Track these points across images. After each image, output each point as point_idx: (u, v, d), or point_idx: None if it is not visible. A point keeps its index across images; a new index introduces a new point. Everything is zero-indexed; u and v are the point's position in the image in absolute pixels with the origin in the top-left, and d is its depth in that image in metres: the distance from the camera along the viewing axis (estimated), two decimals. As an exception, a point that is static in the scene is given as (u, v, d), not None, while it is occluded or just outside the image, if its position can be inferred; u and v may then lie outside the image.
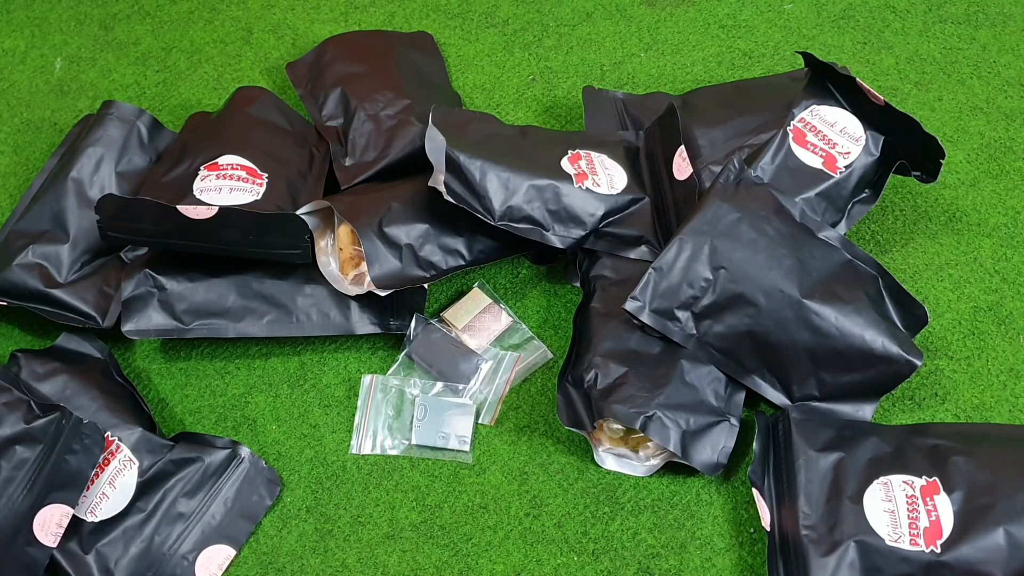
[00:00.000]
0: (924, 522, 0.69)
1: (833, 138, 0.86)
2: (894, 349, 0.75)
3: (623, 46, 1.07)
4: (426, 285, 0.84)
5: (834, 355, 0.76)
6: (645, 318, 0.78)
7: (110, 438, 0.76)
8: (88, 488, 0.74)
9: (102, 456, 0.74)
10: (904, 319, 0.80)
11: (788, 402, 0.78)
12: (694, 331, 0.78)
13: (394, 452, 0.81)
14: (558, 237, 0.83)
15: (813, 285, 0.77)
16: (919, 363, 0.75)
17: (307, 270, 0.85)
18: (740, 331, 0.77)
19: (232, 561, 0.76)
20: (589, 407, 0.76)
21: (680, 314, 0.78)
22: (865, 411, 0.78)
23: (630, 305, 0.78)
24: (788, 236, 0.79)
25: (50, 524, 0.71)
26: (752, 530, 0.75)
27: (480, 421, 0.82)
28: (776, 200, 0.80)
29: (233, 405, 0.84)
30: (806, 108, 0.87)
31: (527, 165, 0.84)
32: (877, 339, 0.75)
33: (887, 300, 0.80)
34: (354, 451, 0.81)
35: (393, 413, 0.82)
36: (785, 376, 0.78)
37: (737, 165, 0.80)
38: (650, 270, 0.77)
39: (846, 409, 0.78)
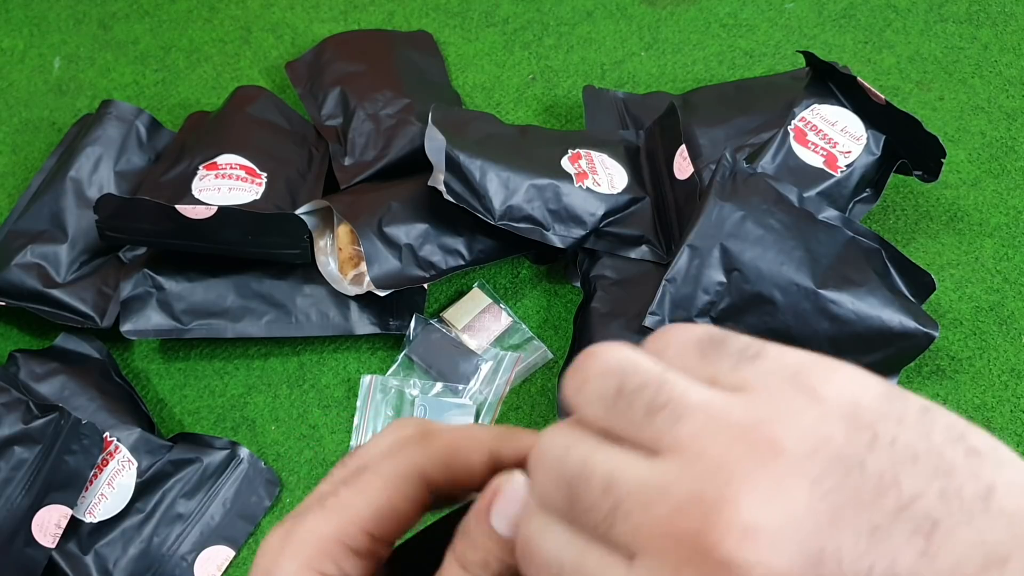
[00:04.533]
0: None
1: (834, 137, 0.86)
2: (911, 324, 0.76)
3: (624, 45, 1.07)
4: (426, 285, 0.84)
5: (855, 339, 0.76)
6: None
7: (109, 438, 0.76)
8: (87, 489, 0.74)
9: (101, 456, 0.74)
10: (912, 288, 0.80)
11: None
12: None
13: (394, 453, 0.80)
14: (558, 237, 0.83)
15: (825, 273, 0.77)
16: (936, 334, 0.76)
17: (306, 270, 0.84)
18: (761, 329, 0.77)
19: (231, 562, 0.76)
20: (589, 407, 0.76)
21: (700, 321, 0.78)
22: None
23: (649, 321, 0.77)
24: (792, 226, 0.78)
25: (48, 525, 0.71)
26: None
27: (480, 421, 0.82)
28: (774, 189, 0.80)
29: (232, 406, 0.84)
30: (807, 107, 0.87)
31: (527, 164, 0.84)
32: (894, 317, 0.76)
33: (893, 272, 0.80)
34: (354, 452, 0.81)
35: (393, 413, 0.82)
36: None
37: (730, 159, 0.80)
38: (664, 282, 0.77)
39: None
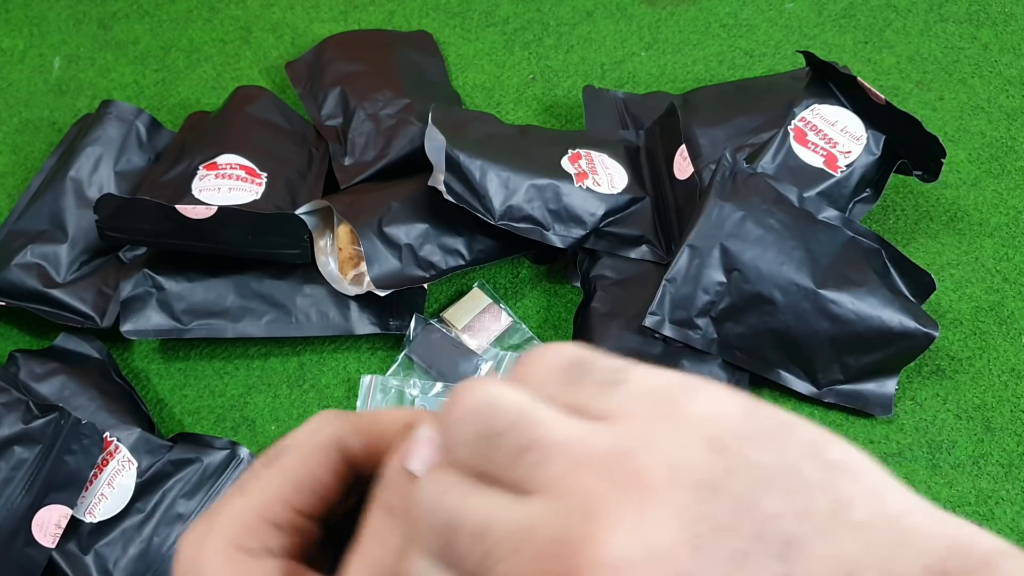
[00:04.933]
0: None
1: (834, 137, 0.86)
2: (911, 324, 0.76)
3: (623, 45, 1.07)
4: (426, 285, 0.84)
5: (855, 339, 0.76)
6: (666, 331, 0.77)
7: (109, 438, 0.76)
8: (87, 489, 0.74)
9: (101, 456, 0.74)
10: (912, 288, 0.80)
11: (815, 390, 0.79)
12: (715, 335, 0.78)
13: (394, 453, 0.80)
14: (558, 237, 0.83)
15: (825, 273, 0.77)
16: (936, 334, 0.76)
17: (306, 270, 0.84)
18: (761, 329, 0.77)
19: (231, 562, 0.76)
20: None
21: (699, 321, 0.78)
22: (888, 386, 0.79)
23: (649, 321, 0.77)
24: (792, 226, 0.78)
25: (49, 525, 0.71)
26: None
27: (480, 421, 0.82)
28: (774, 189, 0.80)
29: (232, 406, 0.84)
30: (807, 107, 0.87)
31: (527, 164, 0.84)
32: (894, 317, 0.76)
33: (893, 272, 0.80)
34: (354, 452, 0.81)
35: (393, 413, 0.82)
36: (809, 366, 0.78)
37: (730, 159, 0.80)
38: (664, 282, 0.77)
39: (870, 387, 0.79)
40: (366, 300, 0.84)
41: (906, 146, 0.85)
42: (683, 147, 0.84)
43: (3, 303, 0.84)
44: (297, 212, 0.82)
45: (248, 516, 0.24)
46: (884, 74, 1.02)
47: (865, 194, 0.87)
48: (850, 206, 0.86)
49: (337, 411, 0.27)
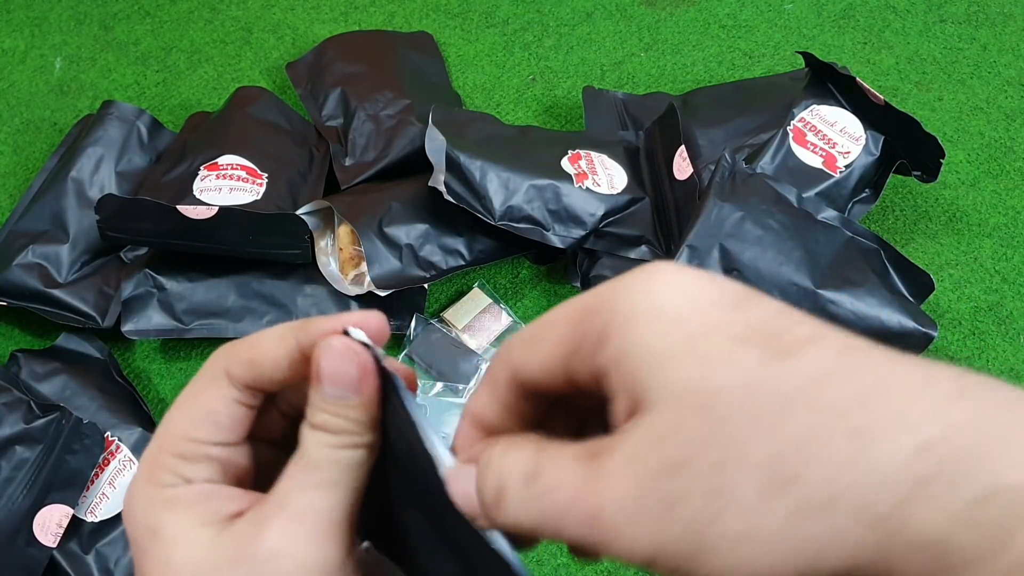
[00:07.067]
0: None
1: (833, 138, 0.86)
2: (910, 324, 0.76)
3: (623, 46, 1.07)
4: (426, 285, 0.84)
5: None
6: None
7: (110, 438, 0.76)
8: (88, 488, 0.74)
9: (102, 456, 0.74)
10: (911, 288, 0.80)
11: None
12: None
13: (394, 452, 0.80)
14: (558, 237, 0.83)
15: (824, 273, 0.77)
16: (935, 334, 0.77)
17: (307, 270, 0.84)
18: None
19: (232, 561, 0.76)
20: (589, 407, 0.76)
21: None
22: None
23: None
24: (791, 226, 0.79)
25: (50, 524, 0.71)
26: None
27: (480, 421, 0.82)
28: (773, 190, 0.80)
29: (233, 405, 0.84)
30: (806, 108, 0.87)
31: (527, 165, 0.84)
32: (893, 317, 0.76)
33: (892, 272, 0.80)
34: (354, 451, 0.81)
35: (393, 413, 0.82)
36: None
37: (729, 159, 0.80)
38: None
39: None
40: (367, 300, 0.84)
41: (905, 146, 0.85)
42: (682, 148, 0.84)
43: (4, 303, 0.84)
44: (298, 212, 0.83)
45: (156, 455, 0.28)
46: (883, 75, 1.03)
47: (864, 194, 0.87)
48: (849, 206, 0.86)
49: (230, 343, 0.30)
